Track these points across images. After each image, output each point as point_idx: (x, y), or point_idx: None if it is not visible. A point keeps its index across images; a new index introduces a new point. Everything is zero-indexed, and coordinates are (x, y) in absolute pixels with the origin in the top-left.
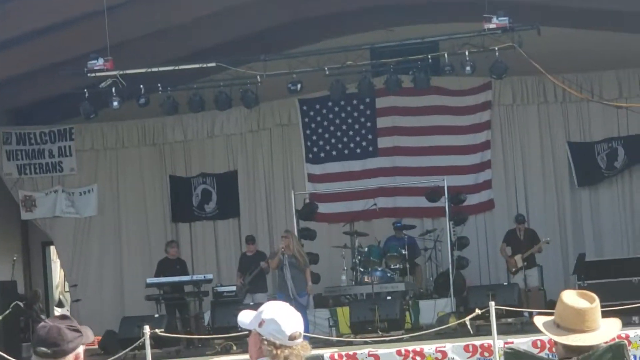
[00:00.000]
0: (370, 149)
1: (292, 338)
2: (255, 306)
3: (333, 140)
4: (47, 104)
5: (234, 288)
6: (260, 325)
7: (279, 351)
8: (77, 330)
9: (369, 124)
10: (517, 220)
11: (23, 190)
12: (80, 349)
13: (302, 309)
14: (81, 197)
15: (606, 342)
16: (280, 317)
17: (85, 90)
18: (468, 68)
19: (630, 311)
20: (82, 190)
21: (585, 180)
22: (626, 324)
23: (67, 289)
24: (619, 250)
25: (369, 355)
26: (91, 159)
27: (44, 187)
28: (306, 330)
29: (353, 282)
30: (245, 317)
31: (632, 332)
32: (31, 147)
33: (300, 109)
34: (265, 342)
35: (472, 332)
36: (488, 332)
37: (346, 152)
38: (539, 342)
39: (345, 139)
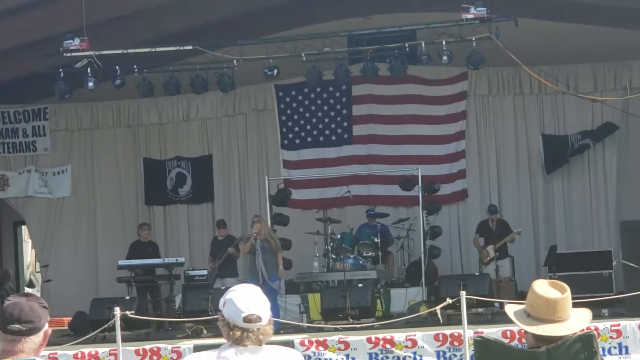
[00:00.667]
0: (346, 136)
1: (247, 320)
2: (227, 291)
3: (308, 127)
4: (21, 83)
5: (205, 272)
6: (223, 305)
7: (231, 332)
8: (46, 307)
9: (344, 111)
10: (489, 211)
11: None
12: (47, 326)
13: (273, 293)
14: (54, 177)
15: (575, 333)
16: (237, 298)
17: (61, 70)
18: (445, 58)
19: (600, 304)
20: (55, 170)
21: (552, 167)
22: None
23: (38, 269)
24: (590, 243)
25: (339, 342)
26: (65, 139)
27: (17, 167)
28: (276, 315)
29: (325, 269)
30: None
31: (602, 325)
32: (5, 126)
33: (276, 94)
34: (223, 322)
35: (442, 321)
36: (458, 322)
37: (321, 139)
38: (508, 333)
39: (320, 126)
